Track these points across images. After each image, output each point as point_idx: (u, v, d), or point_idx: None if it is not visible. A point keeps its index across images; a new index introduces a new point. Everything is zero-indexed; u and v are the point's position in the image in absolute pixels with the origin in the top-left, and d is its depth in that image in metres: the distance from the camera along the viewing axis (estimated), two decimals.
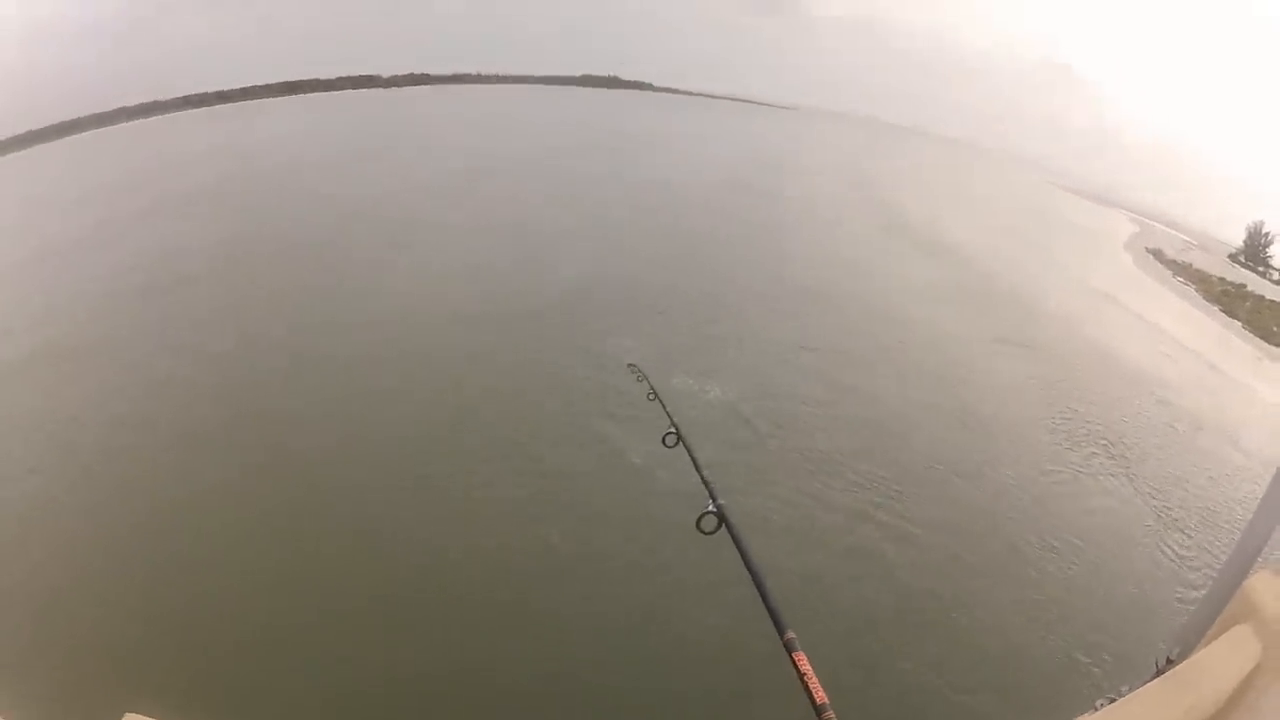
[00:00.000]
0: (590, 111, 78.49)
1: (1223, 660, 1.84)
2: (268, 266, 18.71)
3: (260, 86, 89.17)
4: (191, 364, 12.97)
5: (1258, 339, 39.15)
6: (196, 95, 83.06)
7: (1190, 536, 12.21)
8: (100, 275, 18.30)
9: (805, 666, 1.48)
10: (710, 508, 2.19)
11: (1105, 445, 15.09)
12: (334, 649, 6.75)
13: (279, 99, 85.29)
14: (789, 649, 1.56)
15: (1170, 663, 2.90)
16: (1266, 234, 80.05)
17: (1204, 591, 2.90)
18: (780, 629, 1.64)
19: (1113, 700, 1.96)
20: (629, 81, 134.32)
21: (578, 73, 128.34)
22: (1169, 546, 11.68)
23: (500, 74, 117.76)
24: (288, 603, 7.37)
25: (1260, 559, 2.71)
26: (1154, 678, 2.10)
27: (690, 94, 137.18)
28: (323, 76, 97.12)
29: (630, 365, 6.52)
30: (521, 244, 21.37)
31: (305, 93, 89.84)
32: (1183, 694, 1.69)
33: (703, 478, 2.50)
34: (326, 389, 12.05)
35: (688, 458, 2.92)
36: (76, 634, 6.86)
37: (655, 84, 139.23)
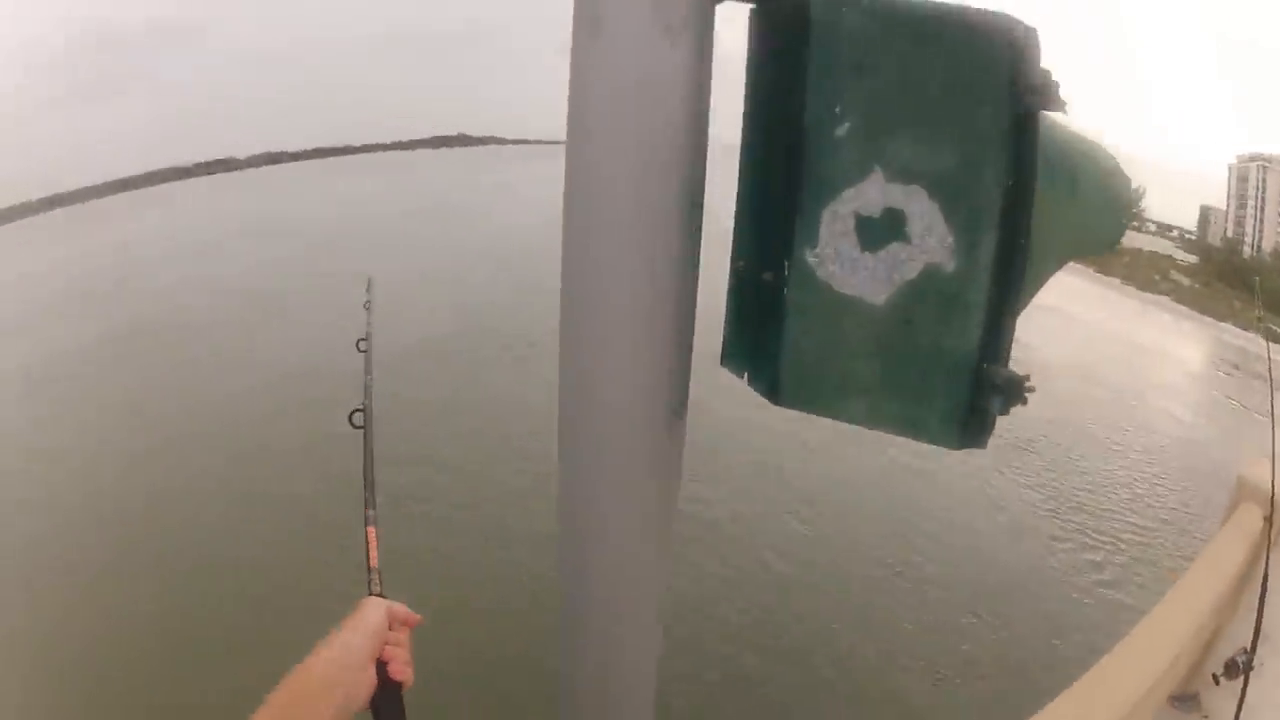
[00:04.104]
0: (436, 175, 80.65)
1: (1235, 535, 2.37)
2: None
3: (99, 185, 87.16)
4: None
5: None
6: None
7: None
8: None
9: None
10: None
11: None
12: None
13: (119, 195, 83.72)
14: None
15: None
16: None
17: None
18: None
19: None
20: (478, 138, 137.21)
21: (426, 135, 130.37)
22: None
23: (351, 145, 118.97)
24: None
25: None
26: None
27: (540, 142, 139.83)
28: (179, 164, 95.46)
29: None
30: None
31: (155, 184, 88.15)
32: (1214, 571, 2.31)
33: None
34: None
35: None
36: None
37: (506, 136, 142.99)
